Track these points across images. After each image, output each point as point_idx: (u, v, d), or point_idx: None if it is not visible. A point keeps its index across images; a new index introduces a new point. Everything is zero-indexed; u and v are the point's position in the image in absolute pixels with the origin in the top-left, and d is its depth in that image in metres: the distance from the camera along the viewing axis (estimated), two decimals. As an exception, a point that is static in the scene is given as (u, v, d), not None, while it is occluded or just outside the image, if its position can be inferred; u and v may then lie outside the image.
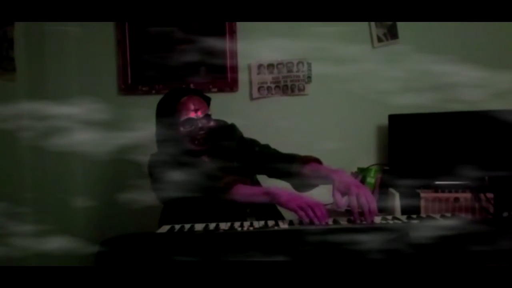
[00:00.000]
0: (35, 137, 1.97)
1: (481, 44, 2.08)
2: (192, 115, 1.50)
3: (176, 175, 1.34)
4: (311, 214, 1.11)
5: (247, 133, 1.66)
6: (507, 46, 2.09)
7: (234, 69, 2.24)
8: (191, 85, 2.25)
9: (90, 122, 2.07)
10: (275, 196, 1.22)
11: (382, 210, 1.38)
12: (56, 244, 1.95)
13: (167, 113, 1.52)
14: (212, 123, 1.54)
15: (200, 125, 1.50)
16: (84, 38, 2.27)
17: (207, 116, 1.54)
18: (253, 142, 1.61)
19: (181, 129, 1.50)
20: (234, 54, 2.23)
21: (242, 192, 1.30)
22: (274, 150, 1.57)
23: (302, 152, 1.50)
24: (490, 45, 2.08)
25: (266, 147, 1.59)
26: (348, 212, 1.20)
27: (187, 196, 1.29)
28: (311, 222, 1.10)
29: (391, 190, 1.78)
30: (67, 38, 2.27)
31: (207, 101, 1.59)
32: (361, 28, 2.16)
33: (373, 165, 2.03)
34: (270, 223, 1.13)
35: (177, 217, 1.29)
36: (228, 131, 1.61)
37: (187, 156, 1.47)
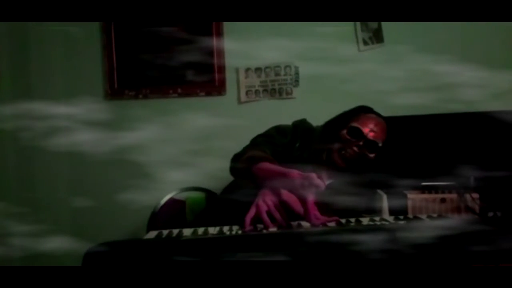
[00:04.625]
0: (25, 137, 1.96)
1: (468, 44, 2.12)
2: (364, 130, 1.43)
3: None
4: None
5: (236, 136, 1.65)
6: (494, 45, 2.13)
7: (222, 73, 2.24)
8: (179, 89, 2.25)
9: (78, 127, 2.06)
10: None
11: (370, 212, 1.38)
12: (51, 244, 1.93)
13: (349, 111, 1.49)
14: (372, 155, 1.44)
15: (361, 143, 1.42)
16: (70, 42, 2.25)
17: (375, 144, 1.44)
18: None
19: (342, 133, 1.44)
20: (221, 58, 2.23)
21: (266, 168, 1.22)
22: None
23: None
24: (480, 45, 2.12)
25: None
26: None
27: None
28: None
29: (379, 191, 1.79)
30: (52, 43, 2.25)
31: (386, 136, 1.49)
32: (347, 32, 2.19)
33: (360, 167, 2.05)
34: (259, 226, 1.13)
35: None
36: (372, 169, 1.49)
37: (319, 159, 1.43)
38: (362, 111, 1.52)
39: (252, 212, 1.11)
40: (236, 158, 1.41)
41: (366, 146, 1.44)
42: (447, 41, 2.12)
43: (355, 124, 1.45)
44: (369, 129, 1.45)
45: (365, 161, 1.45)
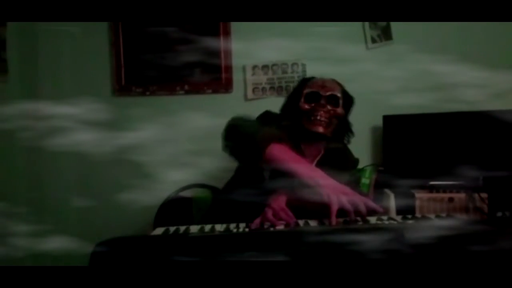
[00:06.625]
0: (31, 137, 1.96)
1: (476, 44, 2.09)
2: (318, 90, 1.41)
3: None
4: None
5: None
6: (499, 45, 2.11)
7: (229, 70, 2.23)
8: (186, 86, 2.25)
9: (85, 123, 2.06)
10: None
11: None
12: (54, 244, 1.94)
13: (296, 87, 1.50)
14: (339, 109, 1.42)
15: (322, 102, 1.40)
16: (78, 39, 2.26)
17: (334, 97, 1.42)
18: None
19: (301, 104, 1.41)
20: (228, 55, 2.23)
21: (279, 154, 1.12)
22: None
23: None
24: (487, 45, 2.10)
25: None
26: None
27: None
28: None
29: (386, 190, 1.78)
30: (61, 39, 2.26)
31: (344, 90, 1.48)
32: (355, 29, 2.17)
33: (368, 165, 2.04)
34: (266, 224, 1.12)
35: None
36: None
37: (305, 137, 1.40)
38: (306, 81, 1.50)
39: (260, 219, 1.12)
40: (238, 130, 1.29)
41: (328, 102, 1.41)
42: (455, 41, 2.11)
43: (307, 90, 1.44)
44: (321, 87, 1.43)
45: (339, 118, 1.44)
